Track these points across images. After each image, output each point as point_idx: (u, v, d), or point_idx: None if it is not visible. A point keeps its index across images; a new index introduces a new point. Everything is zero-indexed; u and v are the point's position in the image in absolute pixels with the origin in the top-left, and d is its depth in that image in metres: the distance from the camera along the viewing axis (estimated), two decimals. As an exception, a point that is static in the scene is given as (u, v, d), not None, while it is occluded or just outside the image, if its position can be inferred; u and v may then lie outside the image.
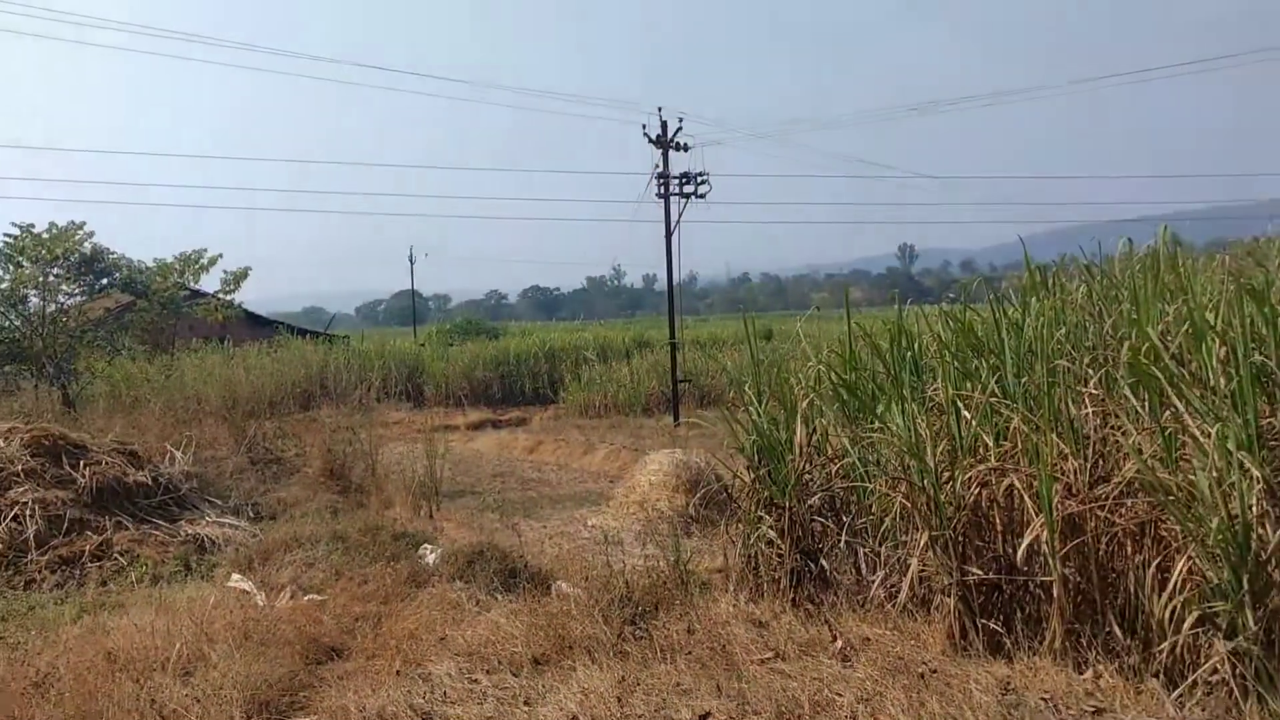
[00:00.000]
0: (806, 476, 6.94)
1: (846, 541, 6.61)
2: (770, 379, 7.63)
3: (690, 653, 5.66)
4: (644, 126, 23.90)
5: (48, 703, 5.64)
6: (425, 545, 9.19)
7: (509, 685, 5.32)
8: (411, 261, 73.47)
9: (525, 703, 5.05)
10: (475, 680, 5.41)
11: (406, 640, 6.31)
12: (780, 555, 6.84)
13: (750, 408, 7.35)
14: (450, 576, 7.90)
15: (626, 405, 26.17)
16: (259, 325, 36.85)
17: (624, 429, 22.49)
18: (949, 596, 5.65)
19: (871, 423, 6.74)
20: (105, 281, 24.19)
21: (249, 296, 29.42)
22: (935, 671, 5.12)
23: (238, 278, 26.83)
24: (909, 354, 6.92)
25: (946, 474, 5.96)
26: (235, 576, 8.69)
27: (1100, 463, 5.54)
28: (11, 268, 22.05)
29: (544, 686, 5.25)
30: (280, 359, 28.01)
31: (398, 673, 5.69)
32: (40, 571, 9.38)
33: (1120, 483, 5.29)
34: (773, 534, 6.92)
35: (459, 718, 4.93)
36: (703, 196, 23.89)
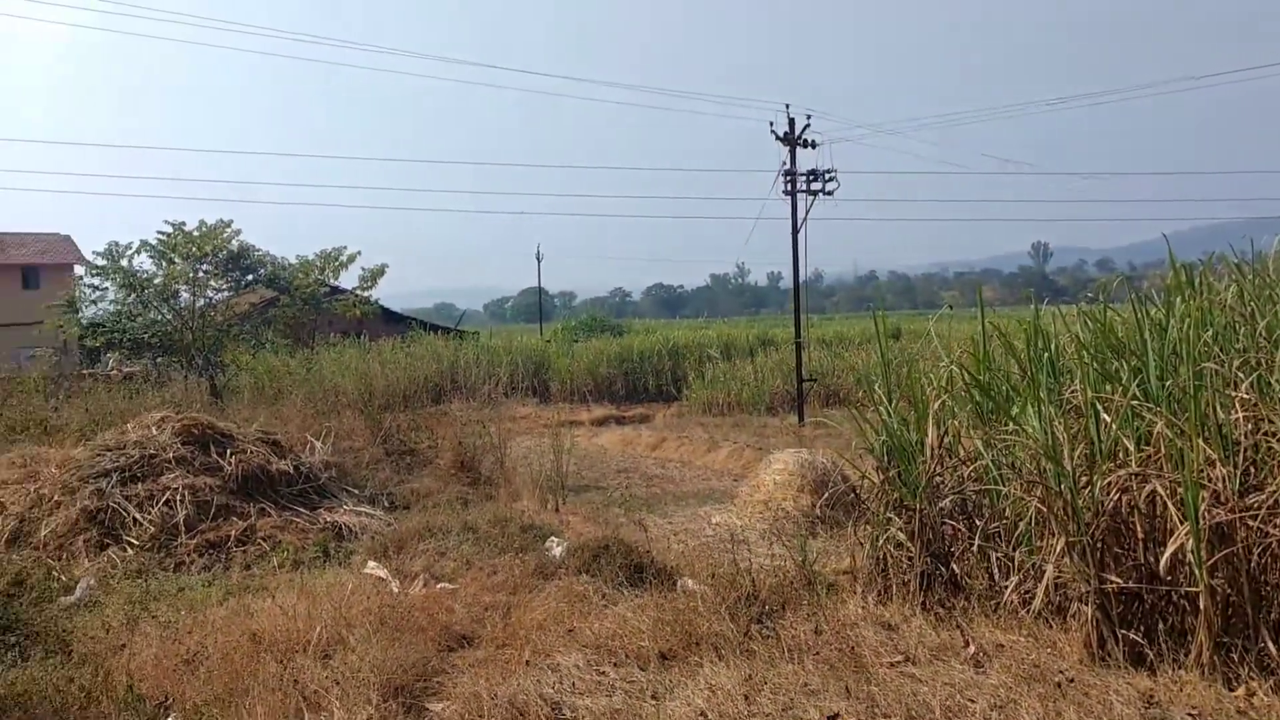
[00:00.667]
0: (938, 478, 6.82)
1: (979, 545, 6.46)
2: (900, 379, 7.52)
3: (818, 653, 5.63)
4: (771, 124, 23.77)
5: (197, 679, 5.93)
6: (552, 538, 9.32)
7: (636, 679, 5.37)
8: (538, 259, 74.45)
9: (652, 697, 5.10)
10: (603, 673, 5.48)
11: (535, 631, 6.43)
12: (910, 558, 6.74)
13: (880, 408, 7.25)
14: (576, 569, 8.00)
15: (750, 404, 26.05)
16: (393, 321, 37.85)
17: (747, 428, 22.40)
18: (1087, 604, 5.49)
19: (1006, 424, 6.58)
20: (250, 278, 25.23)
21: (383, 292, 30.30)
22: (1073, 681, 4.98)
23: (375, 274, 27.61)
24: (1046, 355, 6.73)
25: (1084, 478, 5.79)
26: (371, 564, 8.98)
27: (1252, 471, 5.31)
28: (164, 264, 23.19)
29: (671, 682, 5.29)
30: (413, 354, 28.70)
31: (527, 662, 5.80)
32: (189, 554, 9.83)
33: (1276, 491, 5.06)
34: (902, 536, 6.82)
35: (587, 709, 5.00)
36: (830, 194, 23.64)
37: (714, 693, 5.02)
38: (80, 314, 25.38)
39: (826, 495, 10.63)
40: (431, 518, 10.32)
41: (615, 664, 5.62)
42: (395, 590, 7.96)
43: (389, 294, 30.79)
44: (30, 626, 7.18)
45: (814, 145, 23.78)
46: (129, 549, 9.83)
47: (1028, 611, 5.88)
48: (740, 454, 17.58)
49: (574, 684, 5.33)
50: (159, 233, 23.20)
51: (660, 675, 5.41)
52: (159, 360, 24.03)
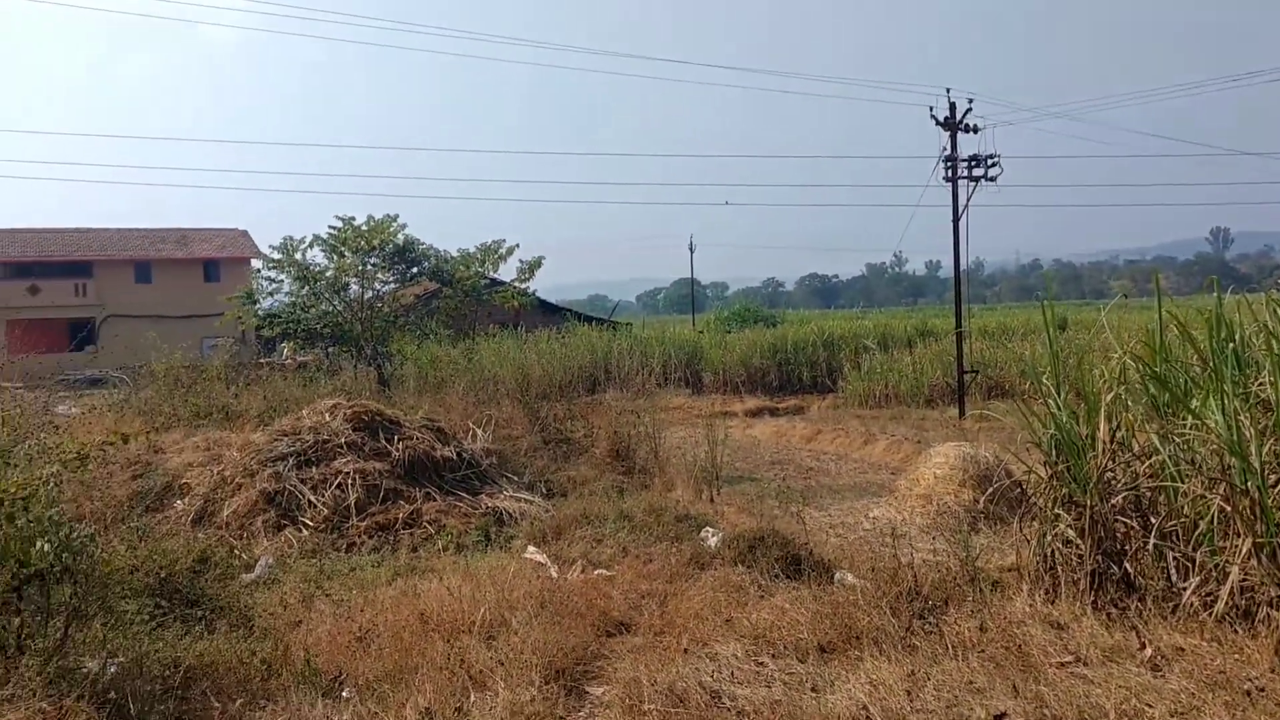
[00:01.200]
0: (1109, 474, 6.54)
1: (1154, 545, 6.18)
2: (1069, 371, 7.24)
3: (983, 651, 5.48)
4: (931, 109, 23.18)
5: (369, 656, 6.16)
6: (707, 528, 9.33)
7: (795, 671, 5.34)
8: (691, 250, 74.55)
9: (812, 689, 5.06)
10: (761, 663, 5.47)
11: (692, 620, 6.46)
12: (1079, 556, 6.48)
13: (1048, 400, 7.00)
14: (732, 560, 7.99)
15: (908, 396, 25.49)
16: (548, 312, 38.52)
17: (905, 420, 21.96)
18: (1277, 610, 5.19)
19: (1184, 419, 6.27)
20: (415, 270, 26.06)
21: (539, 284, 30.80)
22: (1263, 690, 4.71)
23: (532, 266, 28.12)
24: (1230, 345, 6.38)
25: (1274, 476, 5.46)
26: (531, 549, 9.17)
27: None
28: (335, 258, 24.16)
29: (831, 675, 5.24)
30: (568, 345, 29.13)
31: (685, 650, 5.83)
32: (360, 536, 10.22)
33: None
34: (1071, 533, 6.56)
35: (747, 699, 5.00)
36: (993, 179, 22.90)
37: (875, 687, 4.95)
38: (258, 305, 26.68)
39: (990, 490, 10.32)
40: (588, 505, 10.47)
41: (773, 655, 5.60)
42: (554, 575, 8.12)
43: (544, 286, 31.21)
44: (215, 601, 7.56)
45: (975, 130, 23.08)
46: (304, 530, 10.30)
47: (1209, 615, 5.59)
48: (898, 447, 17.25)
49: (732, 673, 5.34)
50: (330, 227, 24.23)
51: (820, 668, 5.36)
52: (330, 350, 25.09)
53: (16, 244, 49.83)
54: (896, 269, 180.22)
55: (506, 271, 28.31)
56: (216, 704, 5.28)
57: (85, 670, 5.38)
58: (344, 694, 5.64)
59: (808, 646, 5.67)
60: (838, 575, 7.46)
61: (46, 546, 5.68)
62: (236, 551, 9.43)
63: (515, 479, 12.38)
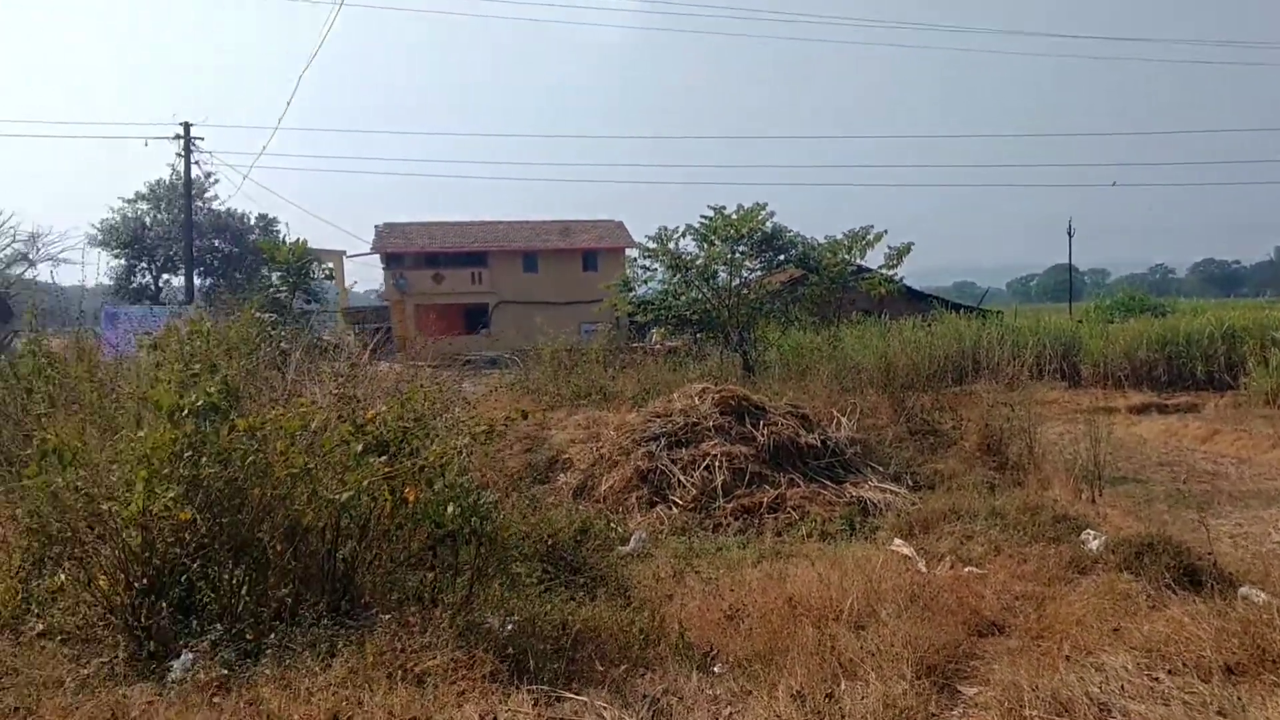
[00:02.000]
0: None
1: None
2: None
3: None
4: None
5: (739, 634, 6.32)
6: (1087, 530, 8.78)
7: (1196, 690, 4.91)
8: (1069, 234, 69.99)
9: (1219, 713, 4.63)
10: (1155, 679, 5.08)
11: (1074, 626, 6.11)
12: None
13: None
14: (1117, 566, 7.49)
15: (1327, 396, 22.65)
16: (913, 299, 37.67)
17: (1323, 423, 19.55)
18: None
19: None
20: (782, 258, 26.31)
21: (904, 270, 30.11)
22: None
23: (900, 253, 27.54)
24: None
25: None
26: (896, 541, 9.03)
27: None
28: (705, 246, 24.89)
29: (1240, 699, 4.77)
30: (934, 333, 28.29)
31: (1066, 658, 5.53)
32: (726, 517, 10.50)
33: None
34: None
35: (1141, 716, 4.67)
36: None
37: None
38: (633, 292, 28.00)
39: None
40: (957, 500, 10.16)
41: (1170, 671, 5.18)
42: (923, 569, 7.96)
43: (909, 271, 30.39)
44: (595, 570, 8.05)
45: None
46: (673, 508, 10.72)
47: None
48: (1314, 452, 15.42)
49: (1122, 687, 4.99)
50: (702, 217, 25.00)
51: (1226, 690, 4.89)
52: (698, 336, 25.89)
53: (425, 236, 55.32)
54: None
55: (874, 258, 27.95)
56: (600, 667, 5.61)
57: (487, 625, 5.91)
58: (715, 669, 5.83)
59: (1211, 666, 5.19)
60: (1243, 590, 6.78)
61: (456, 510, 6.29)
62: (613, 525, 9.97)
63: (880, 469, 12.22)
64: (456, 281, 53.79)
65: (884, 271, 28.34)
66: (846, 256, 26.61)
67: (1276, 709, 4.56)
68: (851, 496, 10.93)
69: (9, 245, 72.76)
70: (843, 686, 5.24)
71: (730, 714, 5.05)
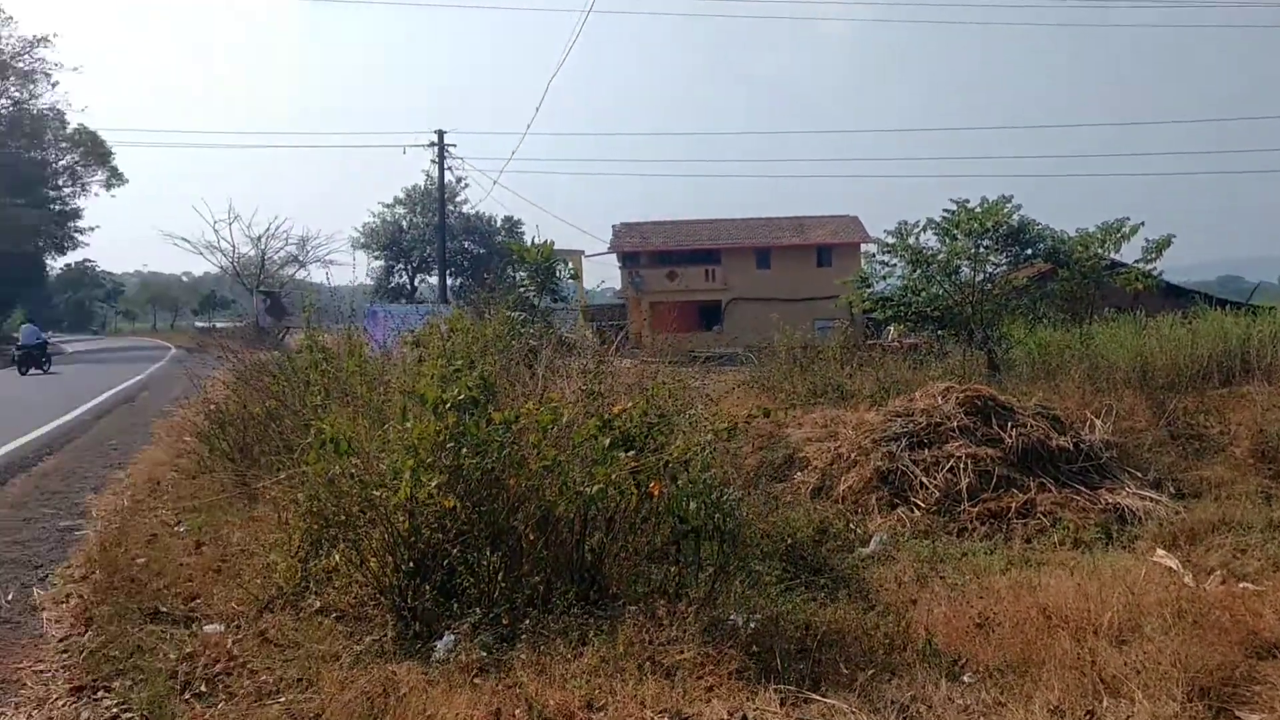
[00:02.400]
0: None
1: None
2: None
3: None
4: None
5: (989, 644, 6.11)
6: (1384, 549, 8.02)
7: None
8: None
9: None
10: None
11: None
12: None
13: None
14: None
15: None
16: (1172, 296, 35.24)
17: None
18: None
19: None
20: (1029, 252, 25.28)
21: (1162, 265, 28.28)
22: None
23: (1159, 246, 25.95)
24: None
25: None
26: (1159, 552, 8.51)
27: None
28: (948, 240, 24.20)
29: None
30: (1195, 331, 26.41)
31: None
32: (971, 521, 10.15)
33: None
34: None
35: None
36: None
37: None
38: (871, 288, 27.55)
39: None
40: (1227, 510, 9.50)
41: None
42: (1189, 583, 7.46)
43: (1166, 266, 28.36)
44: (835, 571, 7.97)
45: None
46: (915, 510, 10.46)
47: None
48: None
49: None
50: (944, 211, 24.31)
51: None
52: (939, 333, 25.18)
53: (660, 235, 56.28)
54: None
55: (1129, 252, 26.41)
56: (845, 670, 5.56)
57: (731, 621, 5.96)
58: (965, 678, 5.67)
59: None
60: None
61: (699, 506, 6.38)
62: (852, 525, 9.84)
63: (1137, 475, 11.53)
64: (690, 279, 54.48)
65: (1141, 266, 26.74)
66: (1099, 250, 25.27)
67: None
68: (1107, 503, 10.37)
69: (282, 248, 79.25)
70: (1104, 704, 4.99)
71: (983, 726, 4.90)
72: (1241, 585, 7.33)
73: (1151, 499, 10.53)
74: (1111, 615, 6.27)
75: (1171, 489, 11.19)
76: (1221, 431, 13.64)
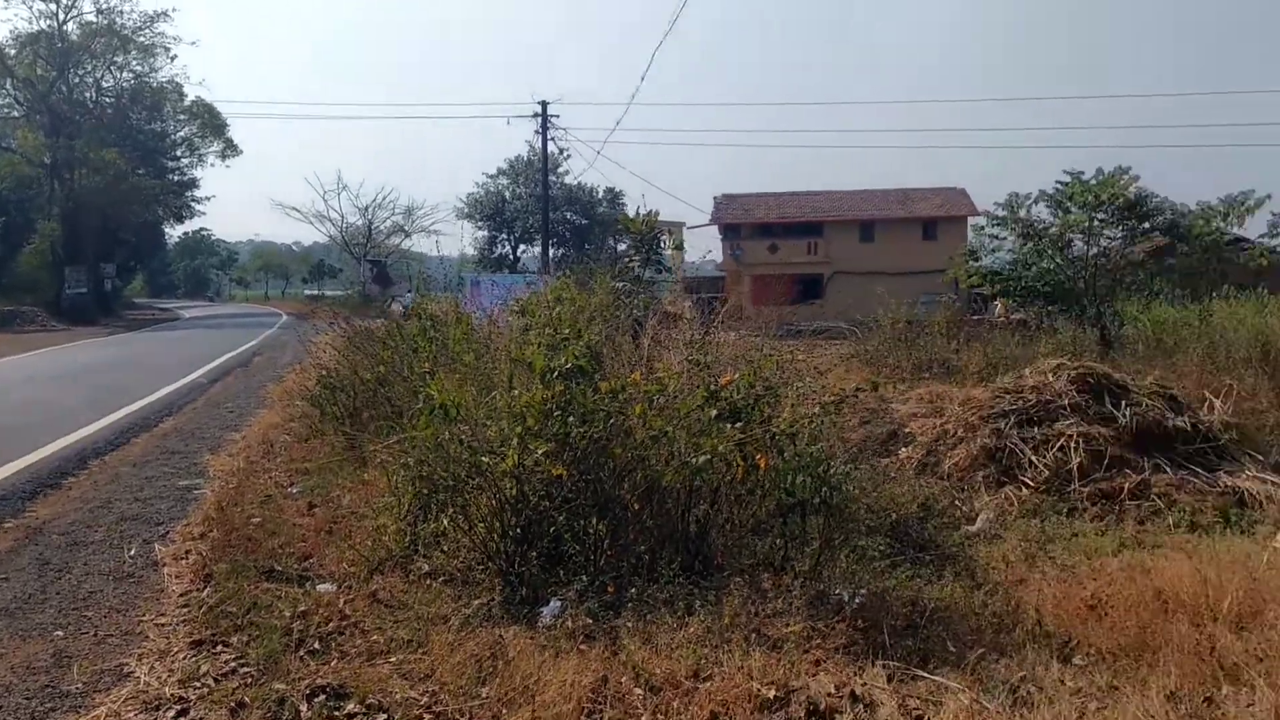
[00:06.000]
0: None
1: None
2: None
3: None
4: None
5: (1101, 627, 5.97)
6: None
7: None
8: None
9: None
10: None
11: None
12: None
13: None
14: None
15: None
16: (1297, 270, 33.85)
17: None
18: None
19: None
20: (1146, 225, 24.43)
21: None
22: None
23: (1288, 220, 24.92)
24: None
25: None
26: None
27: None
28: (1060, 213, 23.49)
29: None
30: (1322, 310, 25.31)
31: None
32: (1081, 501, 9.90)
33: None
34: None
35: None
36: None
37: None
38: (979, 262, 26.95)
39: None
40: (1355, 496, 9.09)
41: None
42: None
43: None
44: (940, 549, 7.86)
45: None
46: (1023, 489, 10.25)
47: None
48: None
49: None
50: (1058, 183, 23.60)
51: None
52: (1049, 309, 24.53)
53: (762, 207, 55.89)
54: None
55: (1255, 227, 25.41)
56: (952, 649, 5.50)
57: (836, 596, 5.94)
58: (1076, 660, 5.55)
59: None
60: None
61: (805, 479, 6.35)
62: (957, 503, 9.70)
63: (1259, 458, 11.12)
64: (791, 252, 53.99)
65: (1267, 241, 25.69)
66: (1221, 225, 24.30)
67: None
68: (1226, 486, 10.03)
69: (389, 218, 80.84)
70: (1223, 691, 4.85)
71: (1096, 709, 4.79)
72: (1369, 574, 7.04)
73: (1273, 483, 10.15)
74: (1231, 601, 6.07)
75: (1292, 473, 10.78)
76: (1351, 414, 13.04)
